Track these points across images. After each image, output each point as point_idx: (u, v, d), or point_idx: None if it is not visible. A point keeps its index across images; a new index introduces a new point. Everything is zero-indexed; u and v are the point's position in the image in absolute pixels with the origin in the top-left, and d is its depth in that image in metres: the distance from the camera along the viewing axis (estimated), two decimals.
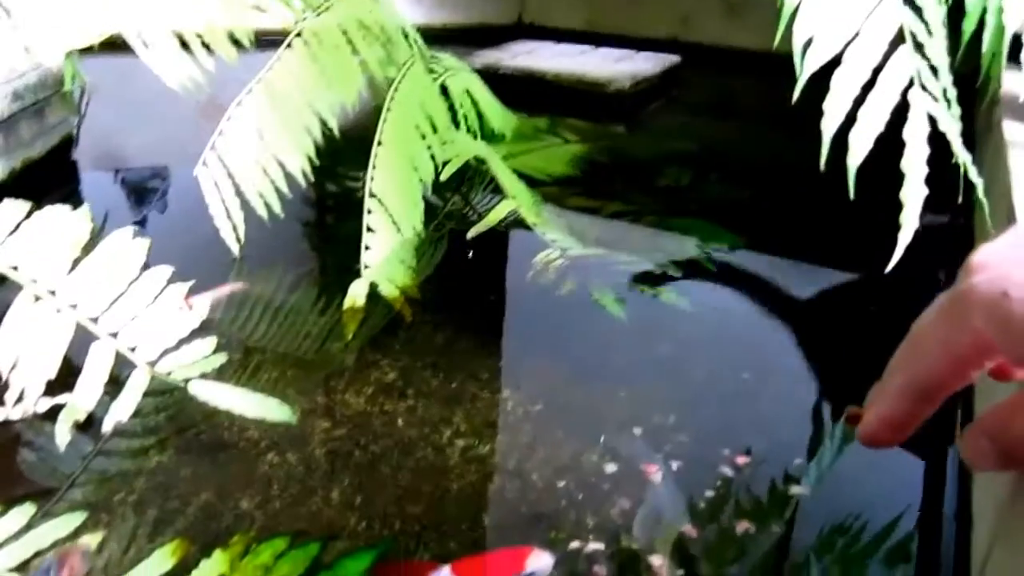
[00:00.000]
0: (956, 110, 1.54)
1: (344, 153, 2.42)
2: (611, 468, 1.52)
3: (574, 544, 1.35)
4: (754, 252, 2.26)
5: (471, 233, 2.16)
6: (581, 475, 1.51)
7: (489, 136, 2.61)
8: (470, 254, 2.21)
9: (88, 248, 1.56)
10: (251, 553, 1.32)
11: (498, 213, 2.16)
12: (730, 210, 2.45)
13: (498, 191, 2.24)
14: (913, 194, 1.42)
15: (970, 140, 2.31)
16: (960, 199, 1.58)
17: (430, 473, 1.54)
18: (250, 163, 1.96)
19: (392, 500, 1.48)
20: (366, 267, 1.94)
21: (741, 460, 1.53)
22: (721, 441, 1.57)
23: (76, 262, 1.53)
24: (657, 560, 1.31)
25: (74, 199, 2.48)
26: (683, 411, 1.66)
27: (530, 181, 2.44)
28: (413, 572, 1.20)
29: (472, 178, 2.51)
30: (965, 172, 1.51)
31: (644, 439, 1.57)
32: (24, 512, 1.34)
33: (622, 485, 1.47)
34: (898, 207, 1.44)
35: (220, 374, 1.64)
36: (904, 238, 1.43)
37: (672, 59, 3.82)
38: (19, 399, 1.43)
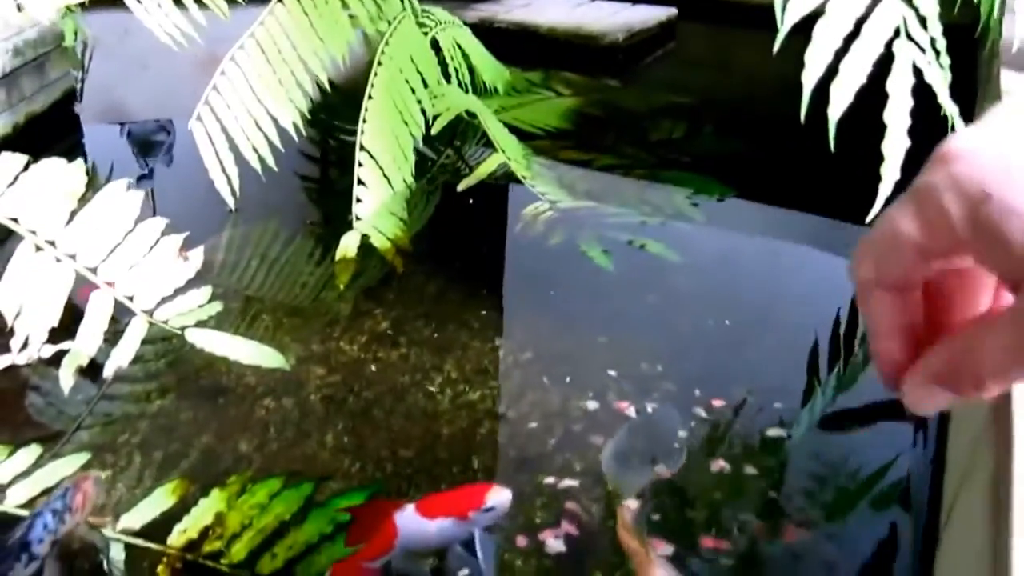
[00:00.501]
0: (945, 60, 1.56)
1: (341, 107, 2.45)
2: (597, 413, 1.57)
3: (549, 480, 1.42)
4: (744, 204, 2.30)
5: (461, 186, 2.19)
6: (567, 420, 1.56)
7: (482, 90, 2.64)
8: (470, 201, 2.24)
9: (85, 200, 1.60)
10: (247, 492, 1.38)
11: (488, 166, 2.19)
12: (723, 162, 2.47)
13: (491, 144, 2.27)
14: (895, 146, 1.44)
15: (973, 92, 2.33)
16: None
17: (421, 418, 1.59)
18: (243, 117, 1.99)
19: (384, 443, 1.54)
20: (357, 219, 1.99)
21: (716, 403, 1.59)
22: (698, 385, 1.62)
23: (73, 214, 1.58)
24: (632, 503, 1.37)
25: (78, 152, 2.52)
26: (665, 358, 1.71)
27: (522, 134, 2.46)
28: (380, 511, 1.25)
29: (465, 132, 2.54)
30: (953, 124, 1.53)
31: (634, 385, 1.63)
32: (31, 452, 1.40)
33: (606, 429, 1.53)
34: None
35: (219, 323, 1.69)
36: (885, 189, 1.45)
37: (669, 12, 3.82)
38: (24, 345, 1.47)
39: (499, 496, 1.20)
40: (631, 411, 1.57)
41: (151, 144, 2.56)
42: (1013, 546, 0.75)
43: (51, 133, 2.50)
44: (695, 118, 2.84)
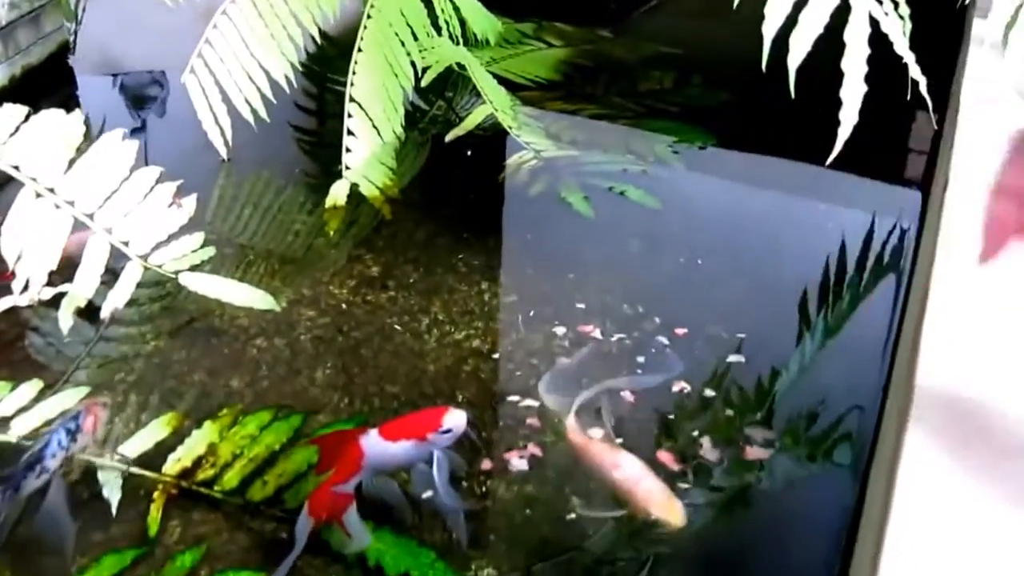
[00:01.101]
0: (904, 10, 1.62)
1: (336, 59, 2.49)
2: (571, 346, 1.65)
3: (523, 405, 1.52)
4: (725, 152, 2.36)
5: (448, 137, 2.24)
6: (547, 355, 1.64)
7: (473, 41, 2.67)
8: (468, 153, 2.30)
9: (82, 150, 1.67)
10: (238, 424, 1.46)
11: (475, 118, 2.24)
12: (709, 112, 2.52)
13: (482, 96, 2.31)
14: (852, 92, 1.51)
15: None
16: (909, 96, 1.68)
17: (408, 356, 1.67)
18: (236, 70, 2.04)
19: (372, 380, 1.61)
20: (347, 168, 2.05)
21: (679, 331, 1.67)
22: (664, 316, 1.71)
23: (72, 162, 1.64)
24: (598, 432, 1.46)
25: (73, 103, 2.57)
26: (635, 294, 1.78)
27: (513, 86, 2.51)
28: (345, 437, 1.32)
29: (457, 83, 2.58)
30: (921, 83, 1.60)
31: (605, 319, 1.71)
32: (33, 387, 1.48)
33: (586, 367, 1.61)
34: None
35: (212, 268, 1.75)
36: (844, 133, 1.52)
37: None
38: (25, 288, 1.55)
39: (455, 418, 1.28)
40: (588, 327, 1.68)
41: (143, 97, 2.61)
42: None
43: (47, 85, 2.55)
44: (685, 68, 2.87)
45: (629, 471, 1.35)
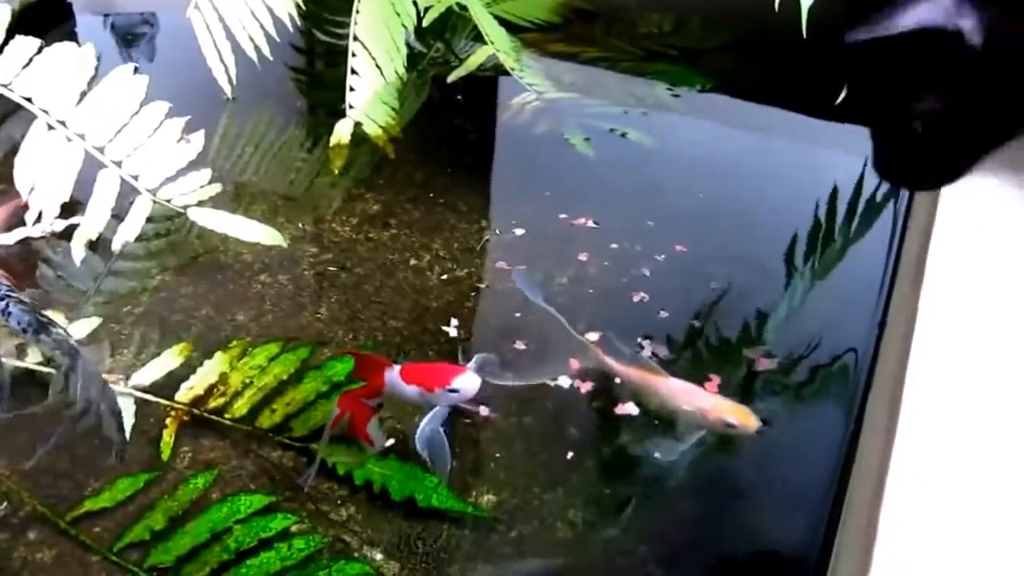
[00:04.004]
0: None
1: (335, 2, 2.49)
2: (568, 285, 1.69)
3: (520, 346, 1.57)
4: (724, 96, 2.38)
5: (451, 77, 2.26)
6: (549, 294, 1.67)
7: None
8: (459, 98, 2.32)
9: (91, 84, 1.69)
10: (248, 355, 1.49)
11: (477, 59, 2.25)
12: (708, 54, 2.53)
13: (481, 38, 2.32)
14: None
15: None
16: None
17: (410, 292, 1.70)
18: (239, 6, 2.04)
19: (375, 315, 1.65)
20: (351, 107, 2.06)
21: (660, 258, 1.76)
22: (649, 244, 1.79)
23: (83, 95, 1.66)
24: (594, 336, 1.54)
25: (72, 40, 2.57)
26: (630, 227, 1.85)
27: (513, 27, 2.51)
28: (377, 363, 1.38)
29: (456, 26, 2.59)
30: None
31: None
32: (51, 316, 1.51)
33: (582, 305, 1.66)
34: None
35: (216, 205, 1.78)
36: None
37: None
38: (38, 219, 1.57)
39: (466, 381, 1.30)
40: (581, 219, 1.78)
41: (134, 37, 2.61)
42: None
43: (46, 21, 2.53)
44: (684, 10, 2.86)
45: (682, 387, 1.39)
